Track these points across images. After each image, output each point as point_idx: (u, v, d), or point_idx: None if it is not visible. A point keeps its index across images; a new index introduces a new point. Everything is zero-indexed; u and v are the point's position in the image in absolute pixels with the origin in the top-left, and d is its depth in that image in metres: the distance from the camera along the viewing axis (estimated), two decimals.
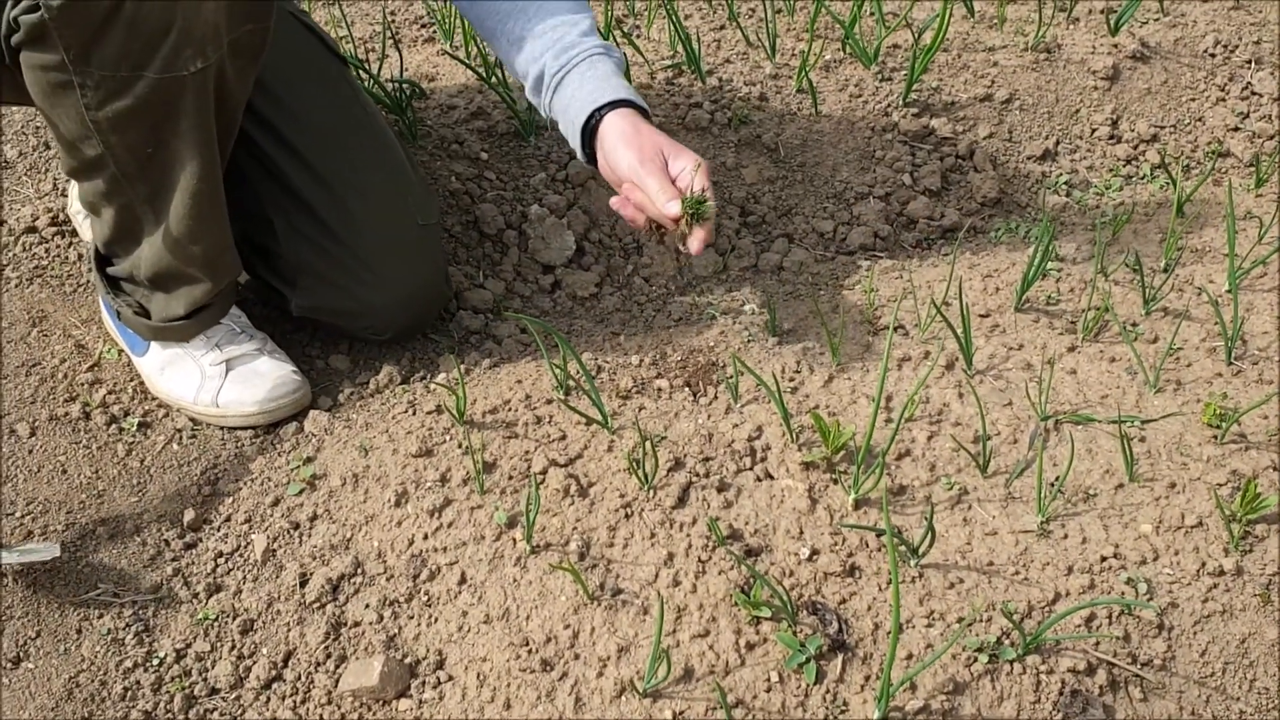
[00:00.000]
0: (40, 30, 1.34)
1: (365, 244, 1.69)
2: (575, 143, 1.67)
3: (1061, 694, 1.28)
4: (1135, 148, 2.27)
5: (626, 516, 1.47)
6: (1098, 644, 1.32)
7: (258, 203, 1.70)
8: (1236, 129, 2.29)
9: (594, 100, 1.62)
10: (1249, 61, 2.37)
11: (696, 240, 1.57)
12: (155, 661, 1.40)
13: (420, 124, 2.14)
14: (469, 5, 1.71)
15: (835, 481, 1.50)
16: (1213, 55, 2.38)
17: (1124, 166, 2.24)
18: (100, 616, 1.45)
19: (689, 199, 1.55)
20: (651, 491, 1.50)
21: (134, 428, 1.69)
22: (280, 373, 1.68)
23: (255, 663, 1.39)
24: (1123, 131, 2.29)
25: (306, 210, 1.68)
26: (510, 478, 1.54)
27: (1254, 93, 2.34)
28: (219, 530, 1.56)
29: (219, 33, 1.38)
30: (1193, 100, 2.33)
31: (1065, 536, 1.43)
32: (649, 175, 1.57)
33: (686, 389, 1.68)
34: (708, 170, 1.59)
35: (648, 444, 1.52)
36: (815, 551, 1.41)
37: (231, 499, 1.60)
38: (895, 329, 1.75)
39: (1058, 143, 2.27)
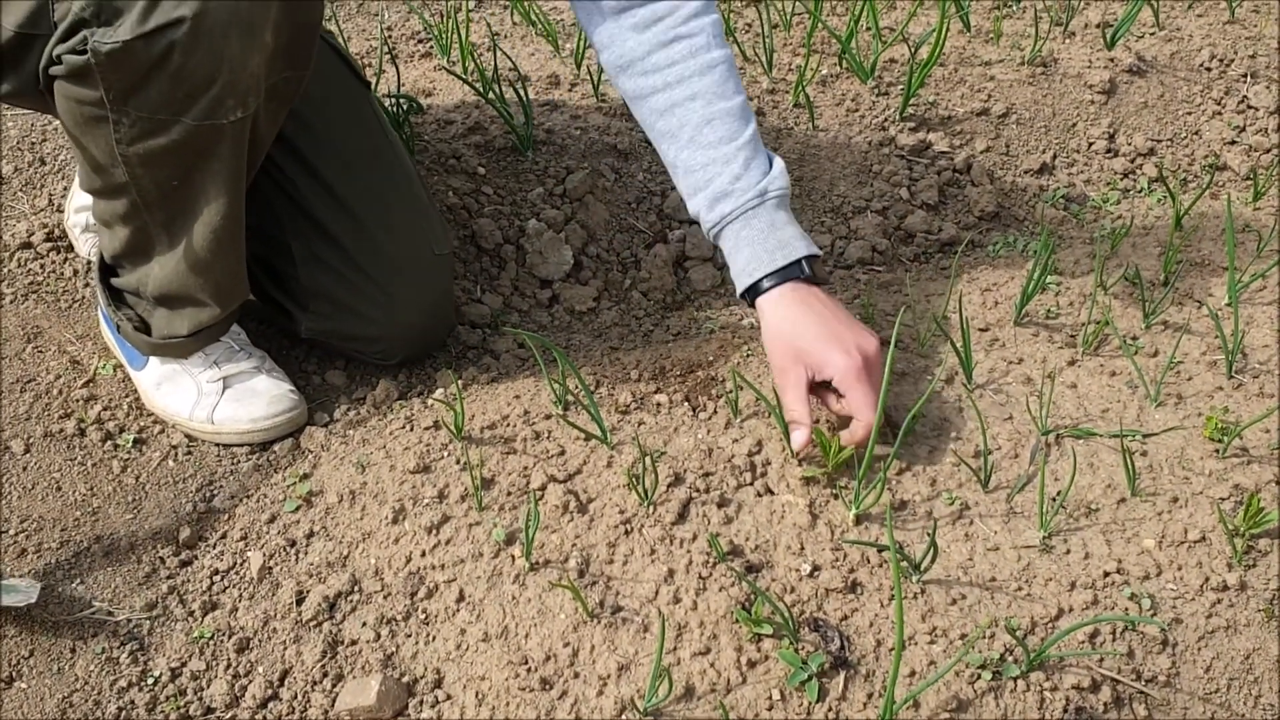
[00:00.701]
0: (84, 70, 1.33)
1: (385, 273, 1.69)
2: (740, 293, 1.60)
3: (1066, 711, 1.27)
4: (1132, 161, 2.27)
5: (626, 533, 1.46)
6: (1101, 660, 1.31)
7: (276, 224, 1.70)
8: (1233, 142, 2.29)
9: (749, 274, 1.55)
10: (1245, 75, 2.37)
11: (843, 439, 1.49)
12: (150, 680, 1.39)
13: (417, 139, 2.14)
14: (636, 106, 1.62)
15: (836, 497, 1.49)
16: (1209, 69, 2.39)
17: (1121, 180, 2.24)
18: (94, 635, 1.43)
19: (831, 453, 1.46)
20: (651, 507, 1.49)
21: (129, 444, 1.68)
22: (277, 391, 1.67)
23: (251, 682, 1.38)
24: (1120, 145, 2.29)
25: (326, 236, 1.68)
26: (509, 494, 1.52)
27: (1250, 106, 2.34)
28: (215, 548, 1.54)
29: (259, 83, 1.39)
30: (1189, 114, 2.33)
31: (1068, 551, 1.42)
32: (780, 393, 1.52)
33: (686, 404, 1.67)
34: (859, 372, 1.46)
35: (647, 459, 1.51)
36: (817, 567, 1.40)
37: (227, 516, 1.58)
38: (895, 344, 1.74)
39: (1055, 156, 2.27)
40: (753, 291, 1.56)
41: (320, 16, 1.47)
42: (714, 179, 1.54)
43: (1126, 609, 1.36)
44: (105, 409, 1.73)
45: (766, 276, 1.54)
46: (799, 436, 1.49)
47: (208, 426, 1.66)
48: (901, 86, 2.31)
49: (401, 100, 2.15)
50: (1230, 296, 1.74)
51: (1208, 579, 1.40)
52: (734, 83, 1.57)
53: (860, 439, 1.46)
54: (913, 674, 1.28)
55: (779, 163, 1.59)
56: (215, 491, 1.63)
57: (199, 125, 1.37)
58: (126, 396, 1.75)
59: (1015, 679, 1.28)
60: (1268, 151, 2.25)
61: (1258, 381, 1.65)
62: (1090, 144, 2.29)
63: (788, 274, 1.54)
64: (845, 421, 1.51)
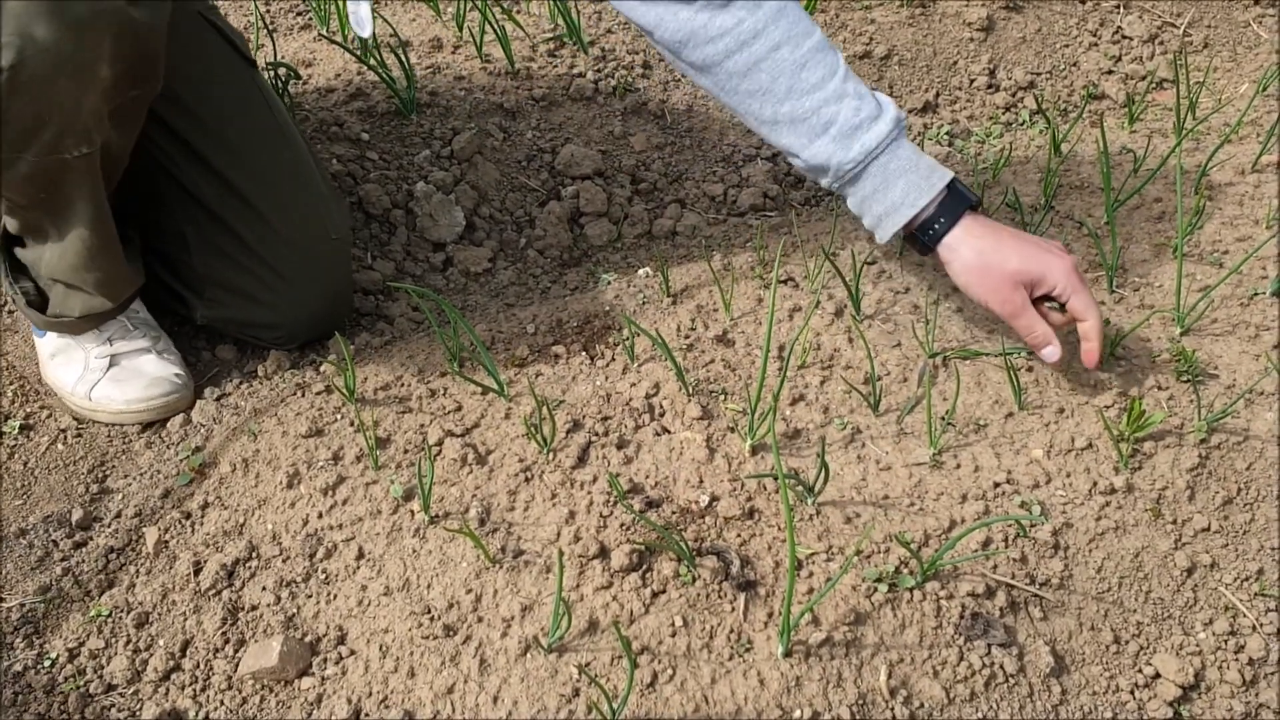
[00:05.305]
0: None
1: (280, 259, 1.67)
2: (885, 238, 1.53)
3: (962, 618, 1.29)
4: (1013, 95, 2.31)
5: (526, 480, 1.46)
6: (995, 567, 1.34)
7: (169, 214, 1.67)
8: (1110, 71, 2.34)
9: (911, 204, 1.47)
10: (1118, 6, 2.43)
11: (1085, 356, 1.49)
12: (47, 663, 1.36)
13: (298, 108, 2.10)
14: (707, 75, 1.51)
15: (732, 430, 1.51)
16: (1083, 1, 2.44)
17: (1003, 114, 2.28)
18: None
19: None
20: (551, 454, 1.49)
21: (15, 430, 1.64)
22: (161, 374, 1.64)
23: (152, 655, 1.36)
24: (1000, 80, 2.33)
25: (220, 224, 1.65)
26: (405, 451, 1.51)
27: (1125, 36, 2.40)
28: (109, 526, 1.51)
29: (100, 117, 1.38)
30: (1066, 46, 2.38)
31: (958, 466, 1.45)
32: (1012, 320, 1.48)
33: (584, 353, 1.67)
34: (1074, 272, 1.45)
35: (544, 408, 1.51)
36: (715, 498, 1.41)
37: (121, 495, 1.55)
38: (785, 281, 1.76)
39: (938, 95, 2.30)
40: (924, 231, 1.48)
41: (161, 33, 1.42)
42: (835, 118, 1.45)
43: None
44: None
45: (934, 209, 1.46)
46: (1054, 352, 1.46)
47: (85, 403, 1.63)
48: None
49: (279, 69, 2.12)
50: (1108, 215, 1.78)
51: (1095, 483, 1.44)
52: (806, 16, 1.47)
53: (1096, 348, 1.45)
54: (810, 591, 1.30)
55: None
56: (107, 472, 1.60)
57: (41, 160, 1.38)
58: (11, 384, 1.71)
59: (911, 590, 1.30)
60: (1143, 79, 2.31)
61: (1138, 294, 1.69)
62: (972, 80, 2.32)
63: (955, 205, 1.47)
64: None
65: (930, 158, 1.49)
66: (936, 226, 1.47)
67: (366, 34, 1.55)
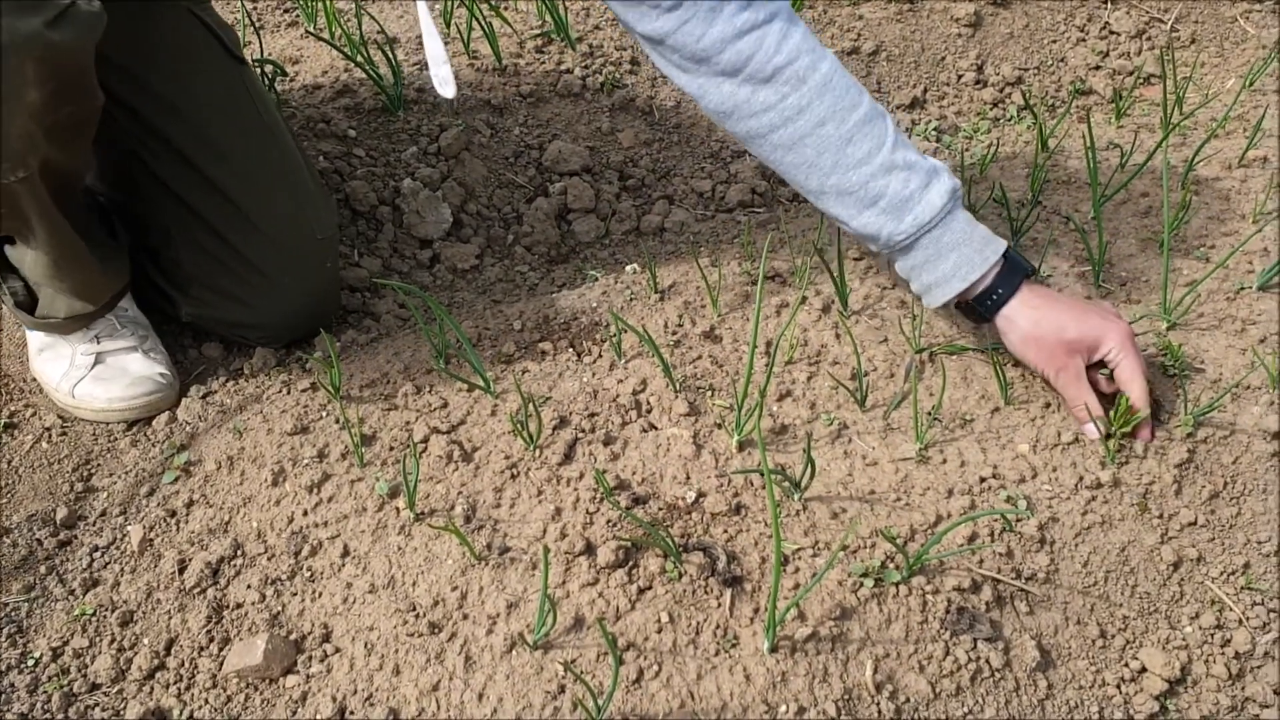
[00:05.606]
0: None
1: (265, 260, 1.66)
2: (933, 306, 1.52)
3: (948, 612, 1.29)
4: (1001, 91, 2.31)
5: (513, 477, 1.46)
6: (981, 561, 1.34)
7: (154, 212, 1.66)
8: (1097, 67, 2.35)
9: (962, 277, 1.45)
10: (1105, 2, 2.43)
11: (1138, 440, 1.47)
12: (30, 662, 1.35)
13: (285, 105, 2.10)
14: (753, 145, 1.50)
15: (719, 426, 1.50)
16: None
17: (991, 110, 2.28)
18: None
19: (1117, 418, 1.44)
20: (537, 451, 1.48)
21: (0, 429, 1.63)
22: (145, 372, 1.64)
23: (137, 654, 1.35)
24: (988, 75, 2.33)
25: (206, 224, 1.65)
26: (391, 449, 1.51)
27: (1112, 31, 2.40)
28: (94, 525, 1.51)
29: (33, 139, 1.36)
30: (1054, 42, 2.38)
31: (944, 461, 1.45)
32: (1064, 389, 1.47)
33: (571, 350, 1.66)
34: (1129, 340, 1.44)
35: (531, 405, 1.50)
36: (702, 494, 1.41)
37: (106, 493, 1.55)
38: (773, 278, 1.75)
39: (925, 91, 2.30)
40: (982, 302, 1.47)
41: (88, 50, 1.37)
42: (884, 192, 1.43)
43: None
44: None
45: (990, 279, 1.46)
46: (1092, 431, 1.45)
47: (69, 400, 1.63)
48: None
49: (266, 65, 2.11)
50: (1095, 210, 1.78)
51: (1082, 478, 1.44)
52: (854, 86, 1.44)
53: (1141, 403, 1.44)
54: (797, 587, 1.30)
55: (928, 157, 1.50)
56: (92, 470, 1.59)
57: None
58: None
59: (897, 584, 1.30)
60: (1130, 74, 2.31)
61: (1125, 288, 1.70)
62: (959, 76, 2.32)
63: (1012, 276, 1.46)
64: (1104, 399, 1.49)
65: (985, 228, 1.48)
66: (994, 298, 1.47)
67: (450, 95, 1.54)
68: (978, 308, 1.49)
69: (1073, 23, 2.41)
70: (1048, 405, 1.51)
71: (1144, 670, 1.31)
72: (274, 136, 1.71)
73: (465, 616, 1.31)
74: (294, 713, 1.27)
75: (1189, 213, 1.80)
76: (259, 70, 2.09)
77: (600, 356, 1.65)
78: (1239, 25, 2.39)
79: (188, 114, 1.63)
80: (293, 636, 1.33)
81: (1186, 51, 2.35)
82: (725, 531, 1.36)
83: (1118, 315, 1.49)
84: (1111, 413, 1.45)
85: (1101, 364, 1.47)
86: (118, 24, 1.39)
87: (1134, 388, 1.44)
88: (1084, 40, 2.39)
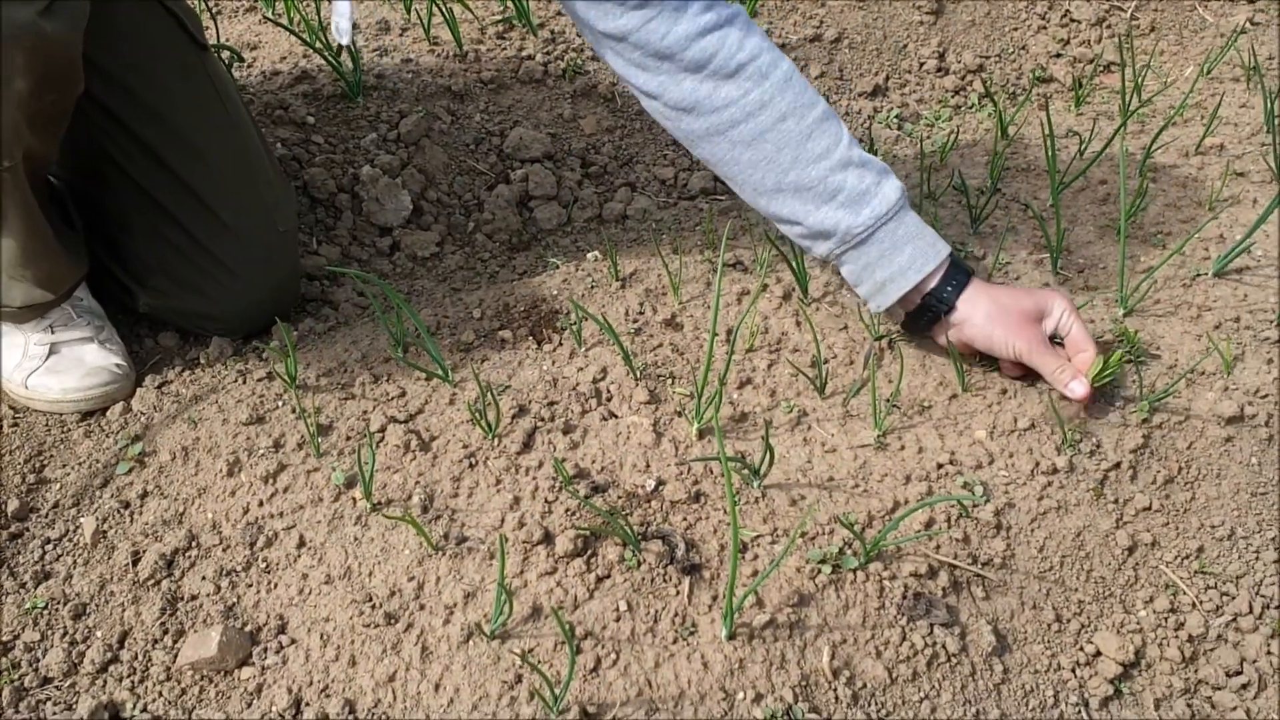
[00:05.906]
0: None
1: (225, 252, 1.64)
2: (883, 305, 1.52)
3: (905, 598, 1.30)
4: (963, 79, 2.31)
5: (470, 466, 1.45)
6: (938, 547, 1.35)
7: (112, 199, 1.64)
8: (1058, 55, 2.36)
9: (917, 269, 1.47)
10: None
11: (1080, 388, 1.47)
12: None
13: (243, 91, 2.07)
14: (708, 143, 1.49)
15: (680, 414, 1.50)
16: None
17: (952, 97, 2.29)
18: None
19: (1096, 373, 1.46)
20: (496, 440, 1.48)
21: None
22: (100, 363, 1.61)
23: (89, 647, 1.33)
24: (950, 63, 2.33)
25: (163, 213, 1.62)
26: (348, 438, 1.50)
27: (1073, 20, 2.41)
28: (46, 517, 1.48)
29: (18, 128, 1.35)
30: (1015, 30, 2.39)
31: (902, 448, 1.45)
32: (1042, 359, 1.47)
33: (530, 338, 1.66)
34: (1073, 306, 1.50)
35: (489, 394, 1.49)
36: (661, 482, 1.41)
37: (59, 485, 1.53)
38: (734, 265, 1.75)
39: (887, 78, 2.30)
40: (936, 297, 1.48)
41: (77, 40, 1.36)
42: (842, 186, 1.45)
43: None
44: None
45: (941, 275, 1.48)
46: (1080, 387, 1.45)
47: (22, 390, 1.60)
48: None
49: (222, 52, 2.08)
50: (1053, 198, 1.79)
51: (1038, 464, 1.45)
52: (809, 87, 1.47)
53: (1091, 362, 1.47)
54: (755, 573, 1.30)
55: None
56: (45, 461, 1.57)
57: None
58: None
59: (855, 570, 1.30)
60: (1090, 62, 2.32)
61: (1082, 275, 1.71)
62: (921, 64, 2.33)
63: (959, 272, 1.49)
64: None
65: (931, 228, 1.50)
66: (950, 289, 1.48)
67: (345, 42, 1.53)
68: (930, 305, 1.49)
69: (1034, 10, 2.42)
70: (1004, 391, 1.52)
71: (1099, 654, 1.32)
72: (235, 125, 1.69)
73: (422, 607, 1.30)
74: (249, 705, 1.26)
75: (1146, 200, 1.81)
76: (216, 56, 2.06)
77: (560, 344, 1.64)
78: (1198, 13, 2.40)
79: (148, 100, 1.61)
80: (248, 628, 1.32)
81: (1146, 39, 2.37)
82: (685, 519, 1.36)
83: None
84: (1088, 372, 1.45)
85: (1053, 336, 1.51)
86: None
87: (1090, 346, 1.48)
88: (1045, 28, 2.40)
